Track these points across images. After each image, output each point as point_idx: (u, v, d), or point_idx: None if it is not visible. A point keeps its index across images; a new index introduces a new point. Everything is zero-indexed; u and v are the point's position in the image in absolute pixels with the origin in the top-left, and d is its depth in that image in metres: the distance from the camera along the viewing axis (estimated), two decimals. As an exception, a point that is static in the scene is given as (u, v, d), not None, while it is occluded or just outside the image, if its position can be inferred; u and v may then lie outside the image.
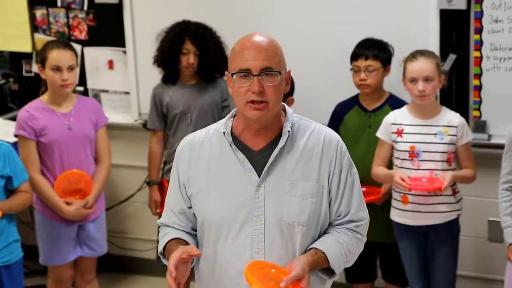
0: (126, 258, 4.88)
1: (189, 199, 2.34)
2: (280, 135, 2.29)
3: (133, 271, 4.87)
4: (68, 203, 3.80)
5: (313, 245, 2.27)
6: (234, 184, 2.27)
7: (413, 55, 3.51)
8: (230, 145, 2.29)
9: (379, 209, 3.67)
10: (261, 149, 2.29)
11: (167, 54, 3.99)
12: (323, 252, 2.25)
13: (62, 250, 3.85)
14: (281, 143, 2.27)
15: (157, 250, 2.42)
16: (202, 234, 2.33)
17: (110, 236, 4.47)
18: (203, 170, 2.30)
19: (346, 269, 3.88)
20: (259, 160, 2.27)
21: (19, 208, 3.52)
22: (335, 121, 3.88)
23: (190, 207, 2.35)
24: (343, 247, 2.29)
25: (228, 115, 2.35)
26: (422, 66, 3.46)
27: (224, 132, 2.30)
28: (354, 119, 3.84)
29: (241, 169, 2.27)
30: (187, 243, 2.30)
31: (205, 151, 2.32)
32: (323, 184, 2.28)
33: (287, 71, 2.30)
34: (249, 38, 2.25)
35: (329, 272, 2.31)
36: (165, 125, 4.12)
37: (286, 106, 2.35)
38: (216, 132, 2.34)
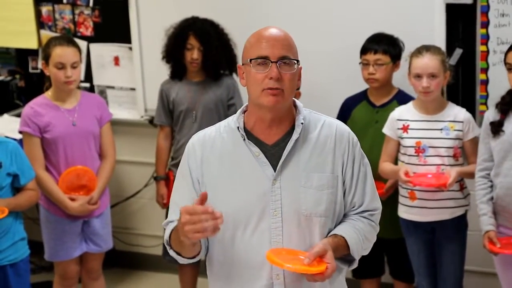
0: (132, 254, 4.88)
1: None
2: (292, 128, 2.29)
3: (139, 267, 4.86)
4: (72, 199, 3.80)
5: (332, 232, 2.28)
6: (250, 179, 2.26)
7: (419, 51, 3.49)
8: (244, 139, 2.28)
9: (385, 205, 3.57)
10: (275, 143, 2.29)
11: (172, 49, 3.99)
12: (343, 237, 2.26)
13: (67, 246, 3.86)
14: (295, 135, 2.27)
15: (163, 244, 2.38)
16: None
17: (116, 232, 4.48)
18: (216, 166, 2.30)
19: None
20: (273, 154, 2.27)
21: (26, 206, 3.54)
22: (343, 116, 3.86)
23: None
24: (360, 233, 2.30)
25: (239, 110, 2.35)
26: (427, 62, 3.44)
27: (238, 127, 2.30)
28: (361, 114, 3.83)
29: (256, 163, 2.27)
30: None
31: (217, 147, 2.31)
32: (337, 175, 2.29)
33: (300, 66, 2.32)
34: (265, 30, 2.28)
35: (347, 261, 2.31)
36: (171, 120, 4.11)
37: (296, 100, 2.36)
38: (227, 128, 2.33)
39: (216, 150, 2.31)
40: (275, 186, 2.25)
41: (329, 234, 2.28)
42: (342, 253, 2.28)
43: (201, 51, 3.94)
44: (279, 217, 2.25)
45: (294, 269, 2.15)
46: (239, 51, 3.72)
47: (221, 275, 2.34)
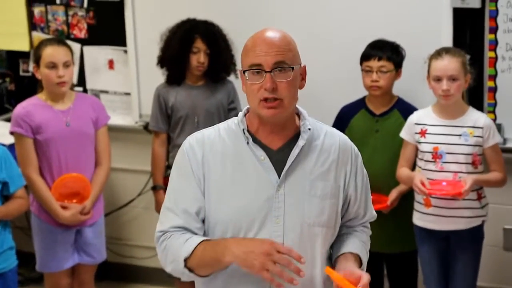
0: (125, 266, 4.84)
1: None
2: (296, 134, 2.25)
3: (133, 279, 4.81)
4: (64, 207, 3.73)
5: (348, 250, 2.29)
6: (253, 184, 2.21)
7: (438, 53, 3.47)
8: (247, 143, 2.22)
9: (385, 219, 3.61)
10: (279, 148, 2.23)
11: (177, 53, 3.93)
12: (358, 256, 2.31)
13: (59, 256, 3.80)
14: (301, 141, 2.23)
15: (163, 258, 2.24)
16: (213, 236, 2.22)
17: (109, 242, 4.44)
18: (217, 168, 2.23)
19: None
20: (278, 159, 2.22)
21: (15, 214, 3.51)
22: (341, 125, 3.79)
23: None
24: (366, 247, 2.38)
25: (241, 112, 2.29)
26: (447, 64, 3.41)
27: (243, 130, 2.24)
28: (361, 123, 3.78)
29: (260, 167, 2.21)
30: None
31: (217, 149, 2.24)
32: (339, 185, 2.27)
33: (303, 66, 2.25)
34: (261, 34, 2.21)
35: None
36: (169, 127, 4.05)
37: (298, 107, 2.30)
38: (227, 130, 2.27)
39: (217, 152, 2.24)
40: (279, 193, 2.20)
41: (343, 252, 2.27)
42: None
43: (208, 55, 3.89)
44: (280, 225, 2.20)
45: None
46: (237, 53, 3.72)
47: (216, 283, 2.24)
